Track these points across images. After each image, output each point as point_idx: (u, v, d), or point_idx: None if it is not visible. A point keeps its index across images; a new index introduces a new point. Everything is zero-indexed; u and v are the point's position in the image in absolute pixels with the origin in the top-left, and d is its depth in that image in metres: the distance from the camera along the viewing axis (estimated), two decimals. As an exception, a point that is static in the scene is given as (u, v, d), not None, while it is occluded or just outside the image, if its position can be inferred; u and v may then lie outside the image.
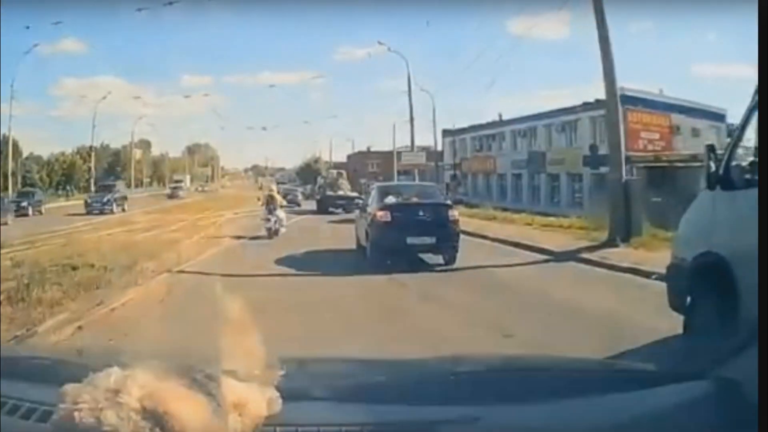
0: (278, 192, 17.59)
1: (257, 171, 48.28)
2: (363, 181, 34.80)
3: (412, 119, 32.16)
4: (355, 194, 27.35)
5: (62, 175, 35.67)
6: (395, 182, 22.48)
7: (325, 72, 48.62)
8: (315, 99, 48.40)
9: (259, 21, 43.81)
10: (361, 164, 39.19)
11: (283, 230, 15.71)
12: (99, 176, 35.39)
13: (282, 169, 45.87)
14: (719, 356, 1.37)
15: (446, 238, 10.80)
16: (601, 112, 26.03)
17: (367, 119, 53.68)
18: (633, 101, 25.98)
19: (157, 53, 43.88)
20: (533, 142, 33.37)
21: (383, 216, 10.97)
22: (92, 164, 35.29)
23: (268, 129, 42.46)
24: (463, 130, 37.61)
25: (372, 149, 41.83)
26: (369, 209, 11.82)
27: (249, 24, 43.37)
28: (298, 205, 29.32)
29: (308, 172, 41.63)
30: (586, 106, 27.94)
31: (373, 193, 12.61)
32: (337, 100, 47.25)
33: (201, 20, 40.30)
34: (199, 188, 42.79)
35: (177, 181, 40.59)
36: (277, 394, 1.24)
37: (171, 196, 36.02)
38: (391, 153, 36.62)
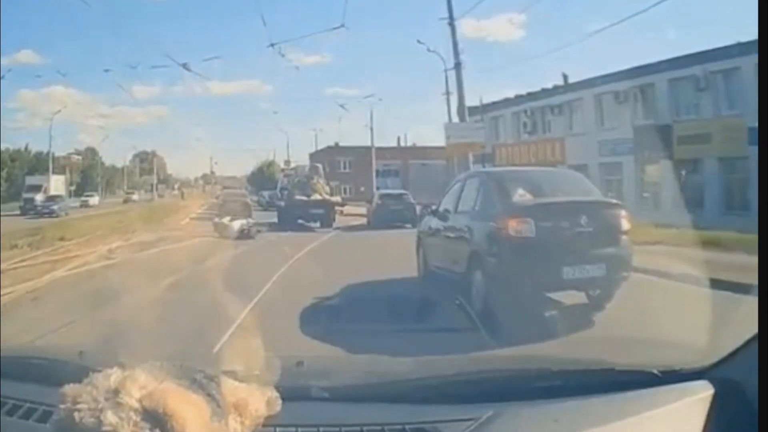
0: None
1: (206, 179, 48.35)
2: (334, 183, 26.86)
3: (458, 64, 19.17)
4: (336, 199, 21.13)
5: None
6: (518, 168, 14.16)
7: (275, 79, 46.68)
8: (265, 107, 48.01)
9: (208, 29, 43.55)
10: (329, 163, 30.18)
11: (254, 232, 15.67)
12: (20, 183, 30.41)
13: (232, 177, 45.19)
14: (719, 356, 1.37)
15: (619, 267, 6.12)
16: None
17: (328, 123, 51.65)
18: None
19: (109, 64, 43.37)
20: (640, 111, 20.97)
21: (522, 228, 6.01)
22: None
23: (220, 134, 41.92)
24: (496, 105, 25.78)
25: (341, 144, 34.10)
26: (475, 216, 6.86)
27: (198, 33, 43.02)
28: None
29: (261, 179, 36.44)
30: (744, 48, 16.31)
31: (476, 185, 7.29)
32: (290, 106, 46.88)
33: (151, 30, 39.50)
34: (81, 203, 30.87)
35: (32, 188, 28.42)
36: (277, 394, 1.24)
37: None
38: (367, 149, 29.55)
